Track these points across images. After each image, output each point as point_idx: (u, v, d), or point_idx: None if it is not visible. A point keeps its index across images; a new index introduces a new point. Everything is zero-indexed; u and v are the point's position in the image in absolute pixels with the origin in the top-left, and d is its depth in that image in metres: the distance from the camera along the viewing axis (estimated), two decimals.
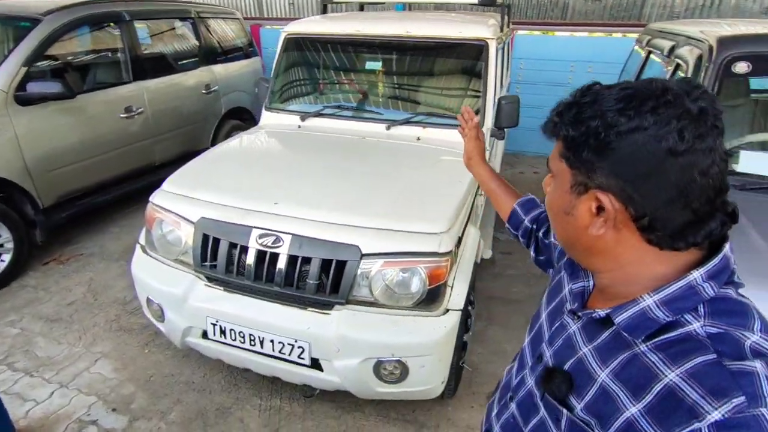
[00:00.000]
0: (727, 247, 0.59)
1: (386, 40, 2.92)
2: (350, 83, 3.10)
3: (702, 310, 0.57)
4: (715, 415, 0.49)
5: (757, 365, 0.51)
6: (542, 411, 0.71)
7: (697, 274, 0.57)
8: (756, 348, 0.52)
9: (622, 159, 0.56)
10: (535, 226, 1.06)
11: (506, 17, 3.63)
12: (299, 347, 1.86)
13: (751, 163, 1.99)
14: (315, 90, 3.18)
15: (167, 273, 2.10)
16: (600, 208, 0.59)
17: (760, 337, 0.54)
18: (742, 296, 0.59)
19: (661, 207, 0.56)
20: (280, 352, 1.90)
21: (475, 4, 3.42)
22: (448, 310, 1.86)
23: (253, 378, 2.36)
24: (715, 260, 0.57)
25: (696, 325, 0.56)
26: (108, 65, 3.81)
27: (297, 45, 3.11)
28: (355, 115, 2.91)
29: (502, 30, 3.32)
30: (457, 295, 1.89)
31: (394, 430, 2.11)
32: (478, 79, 2.81)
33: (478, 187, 2.56)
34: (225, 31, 4.96)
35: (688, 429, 0.50)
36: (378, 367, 1.83)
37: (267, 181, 2.23)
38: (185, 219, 2.06)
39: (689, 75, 2.35)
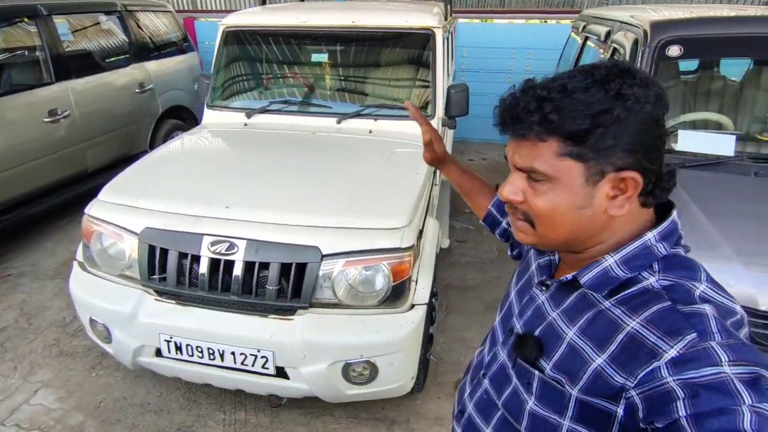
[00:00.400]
0: (674, 212, 0.66)
1: (331, 31, 2.83)
2: (296, 77, 2.99)
3: (656, 266, 0.63)
4: (672, 353, 0.54)
5: (706, 307, 0.57)
6: (514, 380, 0.74)
7: (650, 235, 0.63)
8: (704, 296, 0.59)
9: (638, 133, 0.59)
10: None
11: (449, 6, 3.64)
12: (263, 357, 1.78)
13: (688, 141, 2.10)
14: (259, 85, 3.05)
15: (111, 290, 1.94)
16: (619, 187, 0.62)
17: (707, 286, 0.60)
18: (688, 255, 0.66)
19: (658, 166, 0.62)
20: (242, 363, 1.81)
21: None
22: (413, 305, 1.85)
23: (214, 392, 2.24)
24: (666, 223, 0.64)
25: (652, 280, 0.62)
26: (25, 65, 3.47)
27: (237, 38, 2.96)
28: (304, 109, 2.82)
29: (446, 18, 3.32)
30: (421, 289, 1.88)
31: (366, 430, 2.08)
32: (426, 69, 2.79)
33: (434, 177, 2.56)
34: (156, 26, 4.66)
35: (649, 368, 0.55)
36: (347, 370, 1.78)
37: (215, 184, 2.10)
38: (127, 230, 1.91)
39: (626, 59, 2.44)
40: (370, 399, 1.94)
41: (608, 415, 0.60)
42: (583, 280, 0.66)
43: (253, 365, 1.80)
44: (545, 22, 6.10)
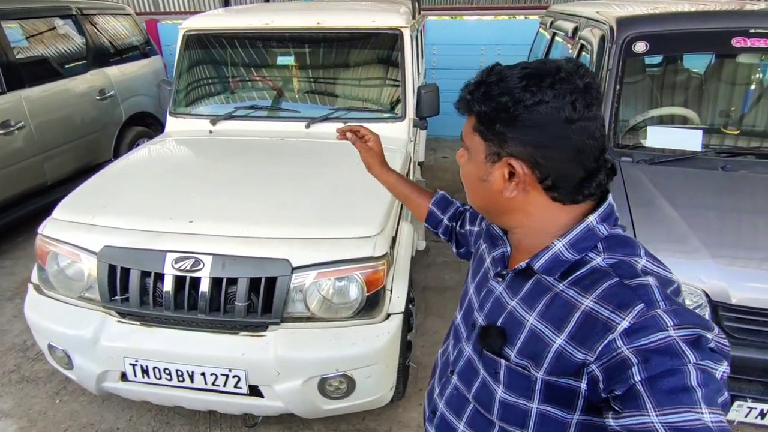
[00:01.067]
0: (610, 196, 0.71)
1: (297, 33, 2.76)
2: (262, 80, 2.90)
3: (600, 246, 0.68)
4: (624, 324, 0.59)
5: (649, 279, 0.62)
6: (482, 371, 0.77)
7: (592, 218, 0.68)
8: (645, 269, 0.65)
9: (530, 129, 0.65)
10: (453, 223, 1.11)
11: (416, 4, 3.60)
12: (234, 376, 1.70)
13: (656, 137, 2.11)
14: (224, 90, 2.95)
15: (70, 313, 1.84)
16: (511, 174, 0.68)
17: (647, 261, 0.66)
18: (626, 233, 0.71)
19: (561, 168, 0.66)
20: (213, 384, 1.73)
21: None
22: (389, 315, 1.80)
23: (186, 412, 2.15)
24: (604, 206, 0.69)
25: (598, 259, 0.67)
26: None
27: (199, 42, 2.85)
28: (271, 114, 2.74)
29: (414, 17, 3.27)
30: (397, 298, 1.83)
31: None
32: (395, 69, 2.75)
33: (411, 175, 2.52)
34: (116, 29, 4.48)
35: (605, 341, 0.60)
36: (323, 385, 1.73)
37: (178, 196, 2.01)
38: (85, 249, 1.80)
39: (594, 55, 2.45)
40: (348, 412, 1.89)
41: (573, 392, 0.64)
42: (536, 266, 0.70)
43: (225, 385, 1.72)
44: (513, 17, 6.14)
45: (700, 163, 2.01)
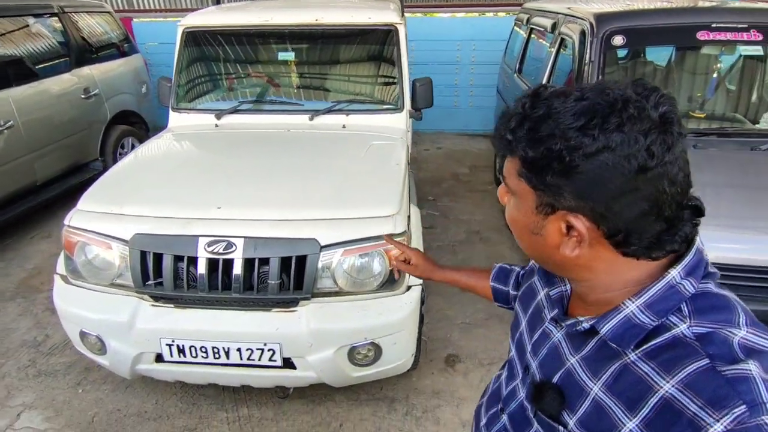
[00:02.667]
0: (698, 240, 0.58)
1: (296, 30, 2.87)
2: (263, 76, 3.00)
3: (686, 309, 0.55)
4: (718, 428, 0.47)
5: (752, 368, 0.49)
6: (536, 425, 0.69)
7: (675, 273, 0.56)
8: (745, 344, 0.51)
9: (590, 181, 0.52)
10: (519, 292, 1.00)
11: (402, 2, 3.76)
12: (269, 350, 1.82)
13: None
14: (226, 86, 3.02)
15: (103, 300, 1.91)
16: (570, 227, 0.57)
17: (747, 332, 0.53)
18: (721, 289, 0.58)
19: (634, 221, 0.54)
20: (249, 359, 1.84)
21: None
22: (410, 287, 1.96)
23: (211, 393, 2.25)
24: (690, 255, 0.56)
25: (682, 327, 0.55)
26: None
27: (198, 39, 2.92)
28: (275, 108, 2.84)
29: (402, 14, 3.43)
30: None
31: (368, 410, 2.18)
32: (389, 64, 2.90)
33: (408, 167, 2.68)
34: (97, 27, 4.43)
35: None
36: (352, 353, 1.87)
37: (201, 185, 2.11)
38: (116, 238, 1.87)
39: (576, 49, 2.68)
40: (374, 379, 2.03)
41: None
42: (603, 330, 0.59)
43: (260, 359, 1.84)
44: (483, 14, 6.38)
45: None
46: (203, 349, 1.84)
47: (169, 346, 1.84)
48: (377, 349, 1.89)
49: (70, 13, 4.13)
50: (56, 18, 3.97)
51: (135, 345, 1.87)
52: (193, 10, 4.02)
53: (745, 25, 2.35)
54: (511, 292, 1.02)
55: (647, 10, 2.65)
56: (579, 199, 0.54)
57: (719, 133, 2.36)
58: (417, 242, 2.15)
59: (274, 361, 1.85)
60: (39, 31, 3.83)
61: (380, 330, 1.86)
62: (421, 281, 1.99)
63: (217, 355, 1.85)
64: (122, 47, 4.76)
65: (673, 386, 0.51)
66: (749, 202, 1.97)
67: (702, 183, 2.10)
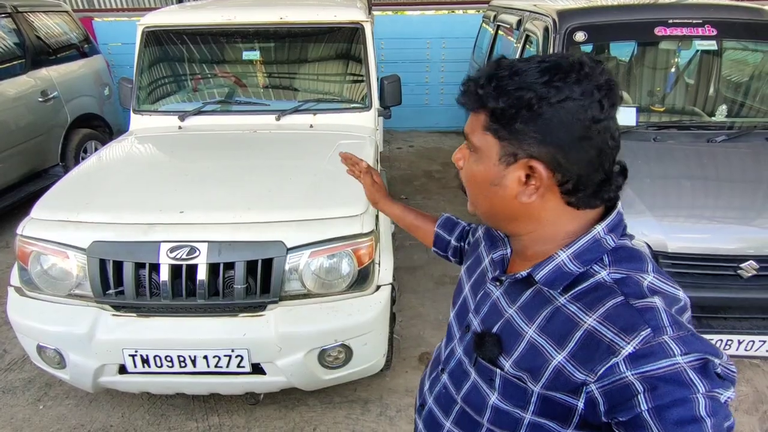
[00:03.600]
0: (620, 205, 0.67)
1: (261, 28, 2.82)
2: (228, 76, 2.93)
3: (606, 259, 0.64)
4: (629, 348, 0.56)
5: (656, 300, 0.59)
6: (473, 375, 0.76)
7: (599, 228, 0.65)
8: (652, 287, 0.61)
9: (554, 127, 0.59)
10: (462, 243, 1.08)
11: (369, 1, 3.74)
12: (237, 356, 1.78)
13: None
14: (189, 86, 2.95)
15: (60, 312, 1.83)
16: (527, 177, 0.63)
17: (654, 277, 0.63)
18: (635, 244, 0.68)
19: (582, 170, 0.61)
20: (216, 366, 1.80)
21: None
22: (379, 287, 1.95)
23: (180, 403, 2.19)
24: (613, 215, 0.66)
25: (603, 273, 0.63)
26: None
27: (159, 39, 2.83)
28: (241, 108, 2.78)
29: (369, 12, 3.41)
30: (384, 270, 1.98)
31: (341, 413, 2.16)
32: (357, 62, 2.88)
33: (377, 166, 2.67)
34: (54, 28, 4.27)
35: (608, 365, 0.57)
36: (323, 356, 1.85)
37: (163, 190, 2.04)
38: (73, 247, 1.80)
39: (540, 45, 2.71)
40: (346, 381, 2.01)
41: (569, 408, 0.63)
42: (538, 277, 0.67)
43: (228, 366, 1.80)
44: (452, 12, 6.42)
45: (636, 136, 2.32)
46: (168, 359, 1.79)
47: (133, 356, 1.78)
48: (348, 351, 1.87)
49: (25, 13, 3.96)
50: (10, 18, 3.80)
51: (96, 357, 1.80)
52: (155, 8, 3.91)
53: (700, 21, 2.42)
54: (453, 242, 1.09)
55: (608, 6, 2.70)
56: (541, 144, 0.61)
57: (678, 126, 2.42)
58: (387, 240, 2.14)
59: (243, 367, 1.81)
60: None
61: (350, 331, 1.84)
62: (390, 281, 1.98)
63: (183, 364, 1.80)
64: (82, 48, 4.60)
65: (594, 320, 0.61)
66: (705, 193, 2.03)
67: (661, 175, 2.16)
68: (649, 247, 1.94)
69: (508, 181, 0.65)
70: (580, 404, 0.61)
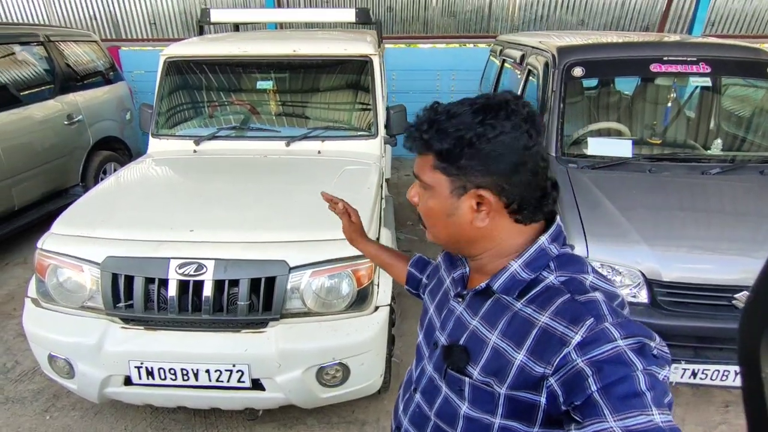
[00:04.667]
0: (558, 218, 0.77)
1: (274, 60, 2.98)
2: (242, 103, 3.09)
3: (552, 265, 0.73)
4: (577, 338, 0.64)
5: (597, 295, 0.68)
6: (444, 389, 0.80)
7: (543, 239, 0.74)
8: (593, 285, 0.70)
9: (494, 159, 0.69)
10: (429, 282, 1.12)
11: (380, 34, 3.92)
12: (238, 371, 1.84)
13: (596, 147, 2.47)
14: (205, 113, 3.10)
15: (73, 323, 1.92)
16: (478, 204, 0.72)
17: (594, 277, 0.72)
18: (574, 252, 0.77)
19: (523, 191, 0.71)
20: (217, 380, 1.86)
21: (351, 22, 3.63)
22: (377, 307, 2.00)
23: (181, 417, 2.24)
24: (553, 227, 0.75)
25: (551, 278, 0.72)
26: None
27: (179, 68, 3.01)
28: (253, 134, 2.92)
29: (379, 45, 3.58)
30: (383, 292, 2.04)
31: None
32: (365, 92, 3.01)
33: (381, 192, 2.76)
34: (83, 56, 4.52)
35: (561, 354, 0.64)
36: (321, 374, 1.89)
37: (175, 209, 2.15)
38: (88, 261, 1.90)
39: (540, 79, 2.82)
40: (343, 400, 2.05)
41: (533, 406, 0.68)
42: (495, 286, 0.75)
43: (228, 380, 1.86)
44: (463, 45, 6.64)
45: (632, 167, 2.39)
46: (172, 371, 1.85)
47: (138, 368, 1.85)
48: (345, 370, 1.91)
49: (56, 42, 4.22)
50: (42, 47, 4.06)
51: (103, 368, 1.87)
52: (178, 39, 4.15)
53: (695, 58, 2.51)
54: (424, 280, 1.14)
55: (606, 43, 2.81)
56: (486, 175, 0.70)
57: (672, 158, 2.48)
58: None
59: (243, 382, 1.86)
60: (25, 59, 3.91)
61: (348, 350, 1.89)
62: (389, 302, 2.03)
63: (186, 377, 1.86)
64: (107, 75, 4.85)
65: (547, 317, 0.68)
66: (698, 224, 2.07)
67: (655, 205, 2.21)
68: (643, 275, 1.98)
69: (461, 211, 0.73)
70: (543, 399, 0.67)
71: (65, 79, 4.20)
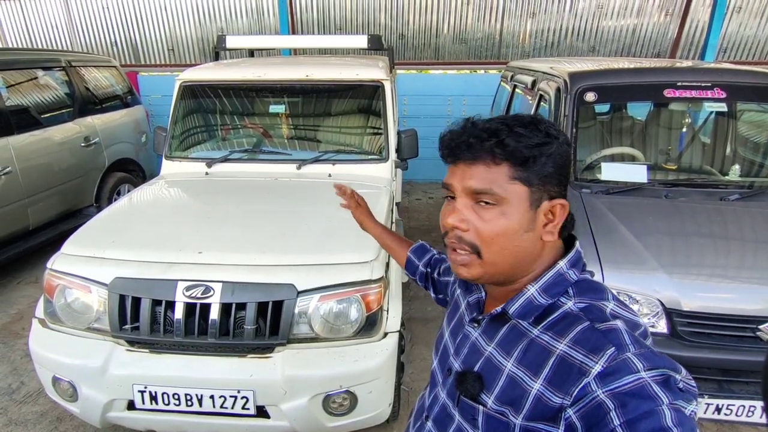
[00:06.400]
0: (578, 243, 0.75)
1: (287, 84, 3.02)
2: (254, 127, 3.12)
3: (571, 291, 0.70)
4: (597, 368, 0.60)
5: (618, 323, 0.65)
6: (457, 418, 0.77)
7: (562, 263, 0.72)
8: (614, 313, 0.67)
9: (562, 168, 0.70)
10: (429, 270, 1.16)
11: (392, 60, 3.97)
12: (243, 397, 1.80)
13: (610, 172, 2.44)
14: (218, 136, 3.14)
15: (78, 345, 1.90)
16: (548, 216, 0.70)
17: (615, 305, 0.69)
18: (594, 279, 0.74)
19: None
20: (221, 407, 1.81)
21: (363, 48, 3.69)
22: (386, 334, 1.96)
23: None
24: (572, 252, 0.73)
25: (569, 304, 0.69)
26: None
27: (194, 92, 3.06)
28: (264, 157, 2.94)
29: (391, 71, 3.62)
30: (392, 318, 2.00)
31: None
32: (376, 116, 3.03)
33: (392, 215, 2.74)
34: (102, 80, 4.65)
35: (580, 385, 0.61)
36: (327, 402, 1.84)
37: (185, 231, 2.15)
38: (95, 282, 1.89)
39: (552, 105, 2.81)
40: (351, 430, 1.98)
41: None
42: (511, 311, 0.72)
43: (233, 407, 1.81)
44: (474, 72, 6.71)
45: (647, 192, 2.34)
46: (176, 396, 1.81)
47: (142, 392, 1.81)
48: (353, 398, 1.86)
49: (77, 66, 4.35)
50: (63, 71, 4.18)
51: (107, 391, 1.84)
52: (195, 65, 4.25)
53: (709, 84, 2.49)
54: (420, 267, 1.17)
55: (618, 69, 2.81)
56: (558, 185, 0.70)
57: (689, 183, 2.44)
58: (396, 287, 2.17)
59: (248, 409, 1.81)
60: (47, 83, 4.03)
61: (356, 377, 1.84)
62: (398, 328, 1.99)
63: (189, 403, 1.82)
64: (125, 99, 4.97)
65: (565, 345, 0.65)
66: (718, 251, 2.01)
67: (673, 232, 2.15)
68: (661, 304, 1.91)
69: (537, 225, 0.70)
70: None
71: (84, 103, 4.30)
